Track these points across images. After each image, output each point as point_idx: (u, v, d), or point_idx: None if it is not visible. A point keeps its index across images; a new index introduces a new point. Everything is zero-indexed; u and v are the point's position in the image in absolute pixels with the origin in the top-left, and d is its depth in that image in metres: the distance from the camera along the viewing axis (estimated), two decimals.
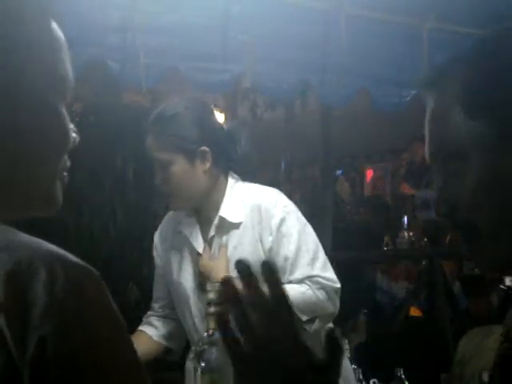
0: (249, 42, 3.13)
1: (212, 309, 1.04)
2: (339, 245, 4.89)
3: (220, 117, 7.13)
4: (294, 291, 1.96)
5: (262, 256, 2.00)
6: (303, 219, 2.11)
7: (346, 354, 2.18)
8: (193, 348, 1.04)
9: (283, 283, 1.98)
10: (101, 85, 3.85)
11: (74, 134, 0.90)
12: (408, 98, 3.57)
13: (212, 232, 2.08)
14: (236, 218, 2.07)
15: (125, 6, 2.93)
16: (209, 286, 1.05)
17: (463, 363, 2.15)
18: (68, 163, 0.90)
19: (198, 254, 2.09)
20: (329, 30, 3.31)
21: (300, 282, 2.01)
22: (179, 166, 2.05)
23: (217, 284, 1.05)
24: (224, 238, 2.07)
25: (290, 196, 2.21)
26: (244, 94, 4.81)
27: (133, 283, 3.86)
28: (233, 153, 2.14)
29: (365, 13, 3.35)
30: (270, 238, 2.03)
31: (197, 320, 2.07)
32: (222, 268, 1.99)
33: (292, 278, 2.01)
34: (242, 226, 2.07)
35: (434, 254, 4.92)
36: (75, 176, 3.30)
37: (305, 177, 8.45)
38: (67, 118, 0.88)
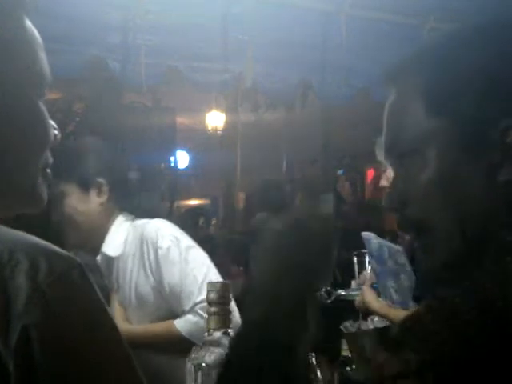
0: (249, 42, 3.13)
1: (213, 309, 1.04)
2: (339, 245, 4.89)
3: (221, 117, 7.14)
4: (188, 324, 1.97)
5: (151, 287, 2.01)
6: (188, 244, 2.05)
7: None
8: (193, 348, 1.04)
9: (178, 315, 1.98)
10: (101, 84, 3.86)
11: (55, 131, 0.91)
12: None
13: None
14: (114, 252, 2.05)
15: (125, 5, 2.94)
16: (209, 286, 1.05)
17: None
18: (50, 160, 0.90)
19: None
20: (329, 30, 3.31)
21: (192, 310, 1.98)
22: (73, 196, 2.01)
23: (218, 284, 1.06)
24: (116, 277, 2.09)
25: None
26: (245, 94, 4.81)
27: None
28: (132, 193, 2.14)
29: (365, 13, 3.35)
30: (157, 269, 2.01)
31: None
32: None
33: (185, 308, 1.99)
34: (129, 259, 2.05)
35: None
36: None
37: (306, 177, 8.45)
38: (47, 115, 0.89)
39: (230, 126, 7.06)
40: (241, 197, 7.44)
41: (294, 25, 3.20)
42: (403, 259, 2.40)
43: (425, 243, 0.85)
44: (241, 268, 4.46)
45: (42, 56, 0.89)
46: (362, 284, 2.48)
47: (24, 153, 0.86)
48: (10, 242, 0.77)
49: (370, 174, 9.17)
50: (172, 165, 6.45)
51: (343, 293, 2.60)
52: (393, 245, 2.45)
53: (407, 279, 2.32)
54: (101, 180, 2.03)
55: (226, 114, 7.02)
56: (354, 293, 2.52)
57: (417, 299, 2.21)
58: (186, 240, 2.07)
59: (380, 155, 2.56)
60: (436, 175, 0.82)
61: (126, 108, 4.29)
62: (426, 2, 3.39)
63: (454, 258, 0.83)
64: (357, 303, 2.37)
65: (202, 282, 1.99)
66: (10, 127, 0.84)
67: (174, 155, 6.54)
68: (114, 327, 0.79)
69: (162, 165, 5.74)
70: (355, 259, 2.58)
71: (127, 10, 2.94)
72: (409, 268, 2.35)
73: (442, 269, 0.84)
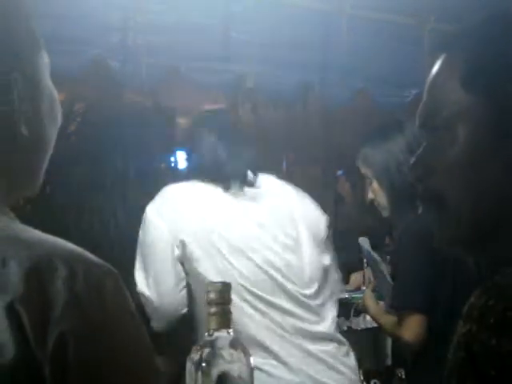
0: (250, 42, 3.13)
1: (213, 309, 1.04)
2: (340, 245, 4.89)
3: None
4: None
5: None
6: (145, 226, 2.10)
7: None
8: (193, 348, 1.04)
9: None
10: (102, 84, 3.86)
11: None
12: (409, 98, 3.57)
13: None
14: None
15: (126, 5, 2.94)
16: (209, 286, 1.05)
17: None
18: None
19: None
20: (330, 30, 3.31)
21: None
22: None
23: (218, 284, 1.06)
24: None
25: None
26: (245, 94, 4.81)
27: (134, 284, 3.85)
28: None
29: (365, 14, 3.35)
30: None
31: None
32: None
33: None
34: None
35: None
36: (76, 176, 3.30)
37: (306, 177, 8.44)
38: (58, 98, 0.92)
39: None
40: None
41: (295, 25, 3.20)
42: (384, 268, 2.45)
43: (439, 216, 0.86)
44: None
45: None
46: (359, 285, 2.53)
47: (50, 138, 0.89)
48: (47, 247, 0.78)
49: None
50: (172, 165, 6.45)
51: (346, 295, 2.64)
52: (376, 254, 2.50)
53: (390, 287, 2.36)
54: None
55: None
56: (356, 295, 2.57)
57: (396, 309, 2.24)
58: (148, 219, 2.10)
59: (363, 168, 2.58)
60: (462, 153, 0.82)
61: (126, 108, 4.28)
62: (426, 2, 3.39)
63: (463, 235, 0.84)
64: (360, 306, 2.43)
65: (138, 268, 2.08)
66: (35, 114, 0.86)
67: (174, 155, 6.53)
68: (144, 337, 0.81)
69: (162, 165, 5.74)
70: (365, 260, 2.61)
71: (127, 10, 2.94)
72: (389, 278, 2.39)
73: (451, 242, 0.86)
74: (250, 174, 2.15)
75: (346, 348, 2.09)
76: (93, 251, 0.79)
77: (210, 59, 3.16)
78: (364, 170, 2.39)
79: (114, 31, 2.97)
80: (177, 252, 2.03)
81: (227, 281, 1.08)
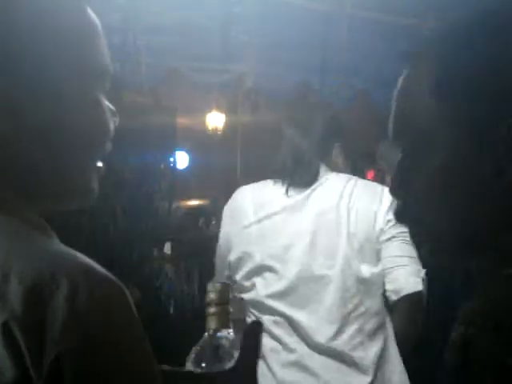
0: (249, 42, 3.13)
1: (212, 309, 1.03)
2: None
3: (221, 117, 7.14)
4: None
5: None
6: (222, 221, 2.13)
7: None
8: (193, 348, 1.04)
9: None
10: None
11: (112, 124, 0.87)
12: None
13: None
14: None
15: (126, 6, 2.94)
16: (209, 287, 1.05)
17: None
18: (109, 149, 0.88)
19: None
20: (330, 30, 3.31)
21: None
22: None
23: (218, 284, 1.05)
24: None
25: None
26: (245, 94, 4.81)
27: (133, 284, 3.86)
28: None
29: (365, 14, 3.35)
30: None
31: None
32: None
33: None
34: None
35: None
36: None
37: None
38: (106, 107, 0.86)
39: (229, 127, 7.06)
40: None
41: (295, 25, 3.20)
42: None
43: (421, 229, 0.82)
44: None
45: (102, 46, 0.86)
46: None
47: (79, 151, 0.84)
48: (52, 260, 0.73)
49: (370, 175, 9.16)
50: (172, 165, 6.45)
51: None
52: None
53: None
54: None
55: (226, 115, 7.02)
56: None
57: None
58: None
59: (381, 162, 2.61)
60: (440, 166, 0.78)
61: (126, 108, 4.29)
62: (426, 2, 3.39)
63: (445, 246, 0.81)
64: None
65: None
66: (65, 124, 0.81)
67: (174, 155, 6.54)
68: (149, 358, 0.76)
69: (162, 165, 5.75)
70: None
71: (127, 11, 2.94)
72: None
73: (435, 253, 0.83)
74: (315, 173, 2.09)
75: (360, 372, 1.89)
76: (92, 252, 0.77)
77: (210, 59, 3.17)
78: (382, 163, 2.51)
79: (114, 32, 2.97)
80: (226, 261, 2.04)
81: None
